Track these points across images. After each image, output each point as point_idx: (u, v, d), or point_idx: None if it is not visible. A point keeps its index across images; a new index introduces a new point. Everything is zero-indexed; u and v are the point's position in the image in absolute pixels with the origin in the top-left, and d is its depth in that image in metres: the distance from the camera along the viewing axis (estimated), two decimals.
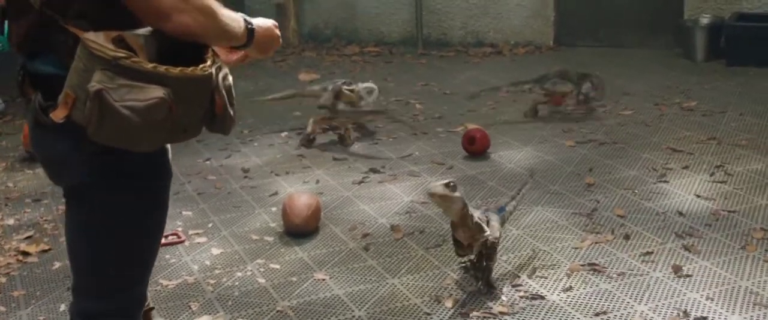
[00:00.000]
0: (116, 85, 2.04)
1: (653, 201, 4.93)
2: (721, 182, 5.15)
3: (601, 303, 3.78)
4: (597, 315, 3.69)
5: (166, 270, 4.43)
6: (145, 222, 2.44)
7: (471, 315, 3.76)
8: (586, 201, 4.98)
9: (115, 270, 2.45)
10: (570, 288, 3.94)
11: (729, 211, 4.71)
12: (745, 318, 3.59)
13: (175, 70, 2.11)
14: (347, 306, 3.93)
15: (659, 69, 8.19)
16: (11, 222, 5.27)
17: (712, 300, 3.75)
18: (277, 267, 4.40)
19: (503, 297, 3.89)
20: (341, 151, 6.30)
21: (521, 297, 3.89)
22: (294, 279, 4.25)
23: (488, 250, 3.90)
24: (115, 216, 2.37)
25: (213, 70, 2.22)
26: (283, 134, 6.91)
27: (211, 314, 3.92)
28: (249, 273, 4.35)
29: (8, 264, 4.63)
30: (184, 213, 5.23)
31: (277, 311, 3.92)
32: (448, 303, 3.87)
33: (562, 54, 9.34)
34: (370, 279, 4.19)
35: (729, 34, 8.13)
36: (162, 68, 2.09)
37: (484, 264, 3.93)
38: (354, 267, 4.33)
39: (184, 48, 2.23)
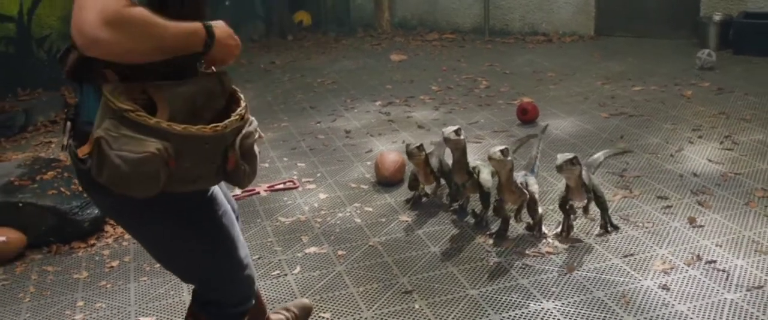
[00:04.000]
0: (119, 135, 1.76)
1: (673, 164, 4.73)
2: (728, 149, 4.91)
3: (629, 247, 3.64)
4: (625, 256, 3.54)
5: (283, 209, 4.40)
6: (179, 241, 2.09)
7: (523, 253, 3.64)
8: (618, 163, 4.79)
9: (190, 275, 2.26)
10: (603, 234, 3.79)
11: (735, 174, 4.48)
12: (748, 262, 3.41)
13: (179, 127, 1.80)
14: (424, 242, 3.85)
15: (679, 56, 7.86)
16: None
17: (721, 246, 3.57)
18: (370, 209, 4.33)
19: (549, 240, 3.76)
20: (423, 118, 6.19)
21: (564, 239, 3.76)
22: (383, 219, 4.17)
23: (531, 206, 3.78)
24: (146, 240, 2.15)
25: (225, 129, 1.89)
26: (377, 103, 6.81)
27: (317, 246, 3.87)
28: (348, 214, 4.29)
29: None
30: (298, 164, 5.19)
31: (369, 245, 3.86)
32: (506, 244, 3.77)
33: (600, 42, 9.05)
34: (444, 222, 4.09)
35: (737, 28, 7.83)
36: (164, 124, 1.78)
37: (533, 216, 3.82)
38: (431, 212, 4.23)
39: (217, 105, 1.95)
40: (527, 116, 5.79)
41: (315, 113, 6.59)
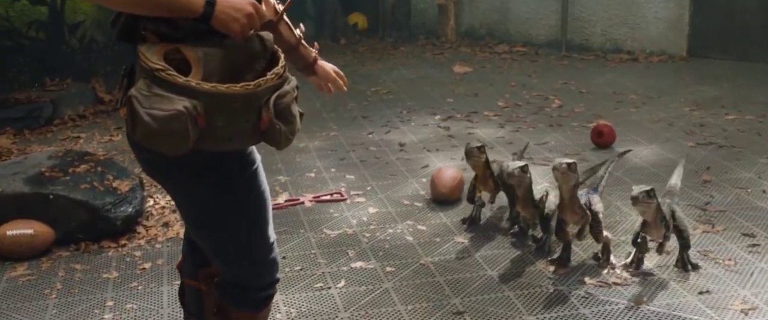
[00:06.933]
0: (150, 93, 2.02)
1: (765, 201, 4.84)
2: None
3: (707, 284, 3.78)
4: (701, 293, 3.69)
5: (329, 221, 4.64)
6: (214, 205, 2.33)
7: (588, 282, 3.82)
8: (701, 196, 4.93)
9: (218, 248, 2.45)
10: (679, 269, 3.94)
11: None
12: None
13: (207, 86, 2.04)
14: (481, 265, 4.04)
15: None
16: None
17: None
18: (424, 228, 4.54)
19: (617, 271, 3.93)
20: (487, 136, 6.40)
21: (632, 272, 3.92)
22: (437, 239, 4.39)
23: (594, 226, 3.96)
24: (182, 201, 2.40)
25: (256, 88, 2.11)
26: (436, 117, 7.05)
27: (364, 261, 4.10)
28: (399, 230, 4.51)
29: None
30: (347, 176, 5.43)
31: (420, 264, 4.07)
32: (569, 271, 3.94)
33: (693, 64, 9.17)
34: (503, 245, 4.28)
35: None
36: (193, 82, 2.03)
37: (597, 237, 3.99)
38: (489, 235, 4.43)
39: (258, 65, 2.18)
40: (603, 139, 5.96)
41: (367, 123, 6.85)
